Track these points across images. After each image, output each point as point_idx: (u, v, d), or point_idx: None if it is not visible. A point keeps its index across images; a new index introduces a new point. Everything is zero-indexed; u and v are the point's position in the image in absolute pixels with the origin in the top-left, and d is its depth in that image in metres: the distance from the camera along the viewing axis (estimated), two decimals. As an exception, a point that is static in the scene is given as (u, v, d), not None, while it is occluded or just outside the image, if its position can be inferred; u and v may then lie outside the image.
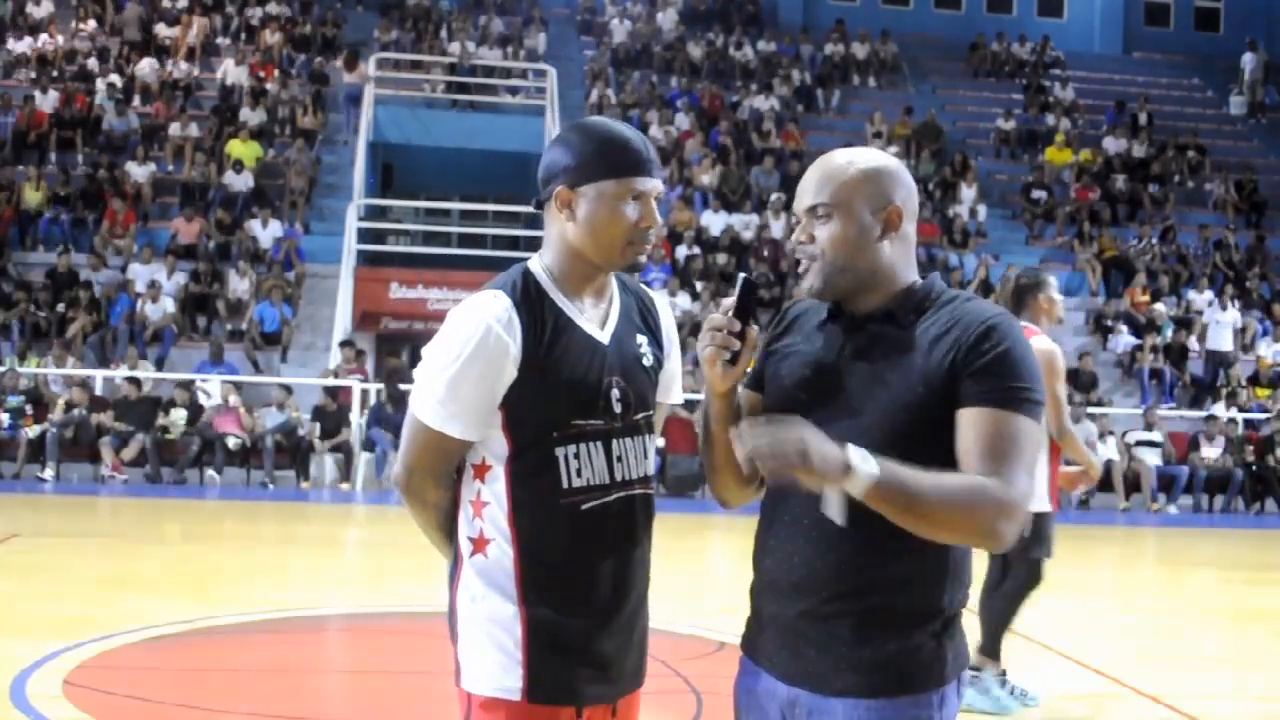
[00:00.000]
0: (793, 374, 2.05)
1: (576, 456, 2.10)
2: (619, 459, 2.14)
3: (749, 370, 2.09)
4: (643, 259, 2.16)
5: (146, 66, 19.91)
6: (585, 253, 2.13)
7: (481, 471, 2.13)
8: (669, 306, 2.35)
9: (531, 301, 2.11)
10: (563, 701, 2.10)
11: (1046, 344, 5.10)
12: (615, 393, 2.13)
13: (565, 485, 2.09)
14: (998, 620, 5.15)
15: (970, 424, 1.90)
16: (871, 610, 1.94)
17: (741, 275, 2.04)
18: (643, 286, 2.31)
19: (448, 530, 2.19)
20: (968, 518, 1.84)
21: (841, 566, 1.94)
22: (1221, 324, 17.35)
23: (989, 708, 5.01)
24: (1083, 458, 5.23)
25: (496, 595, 2.11)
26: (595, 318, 2.17)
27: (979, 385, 1.91)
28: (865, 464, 1.77)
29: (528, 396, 2.07)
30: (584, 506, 2.10)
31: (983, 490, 1.84)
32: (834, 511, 1.83)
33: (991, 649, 5.15)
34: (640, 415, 2.18)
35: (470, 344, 2.04)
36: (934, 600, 1.96)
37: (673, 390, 2.32)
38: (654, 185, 2.12)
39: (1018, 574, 5.17)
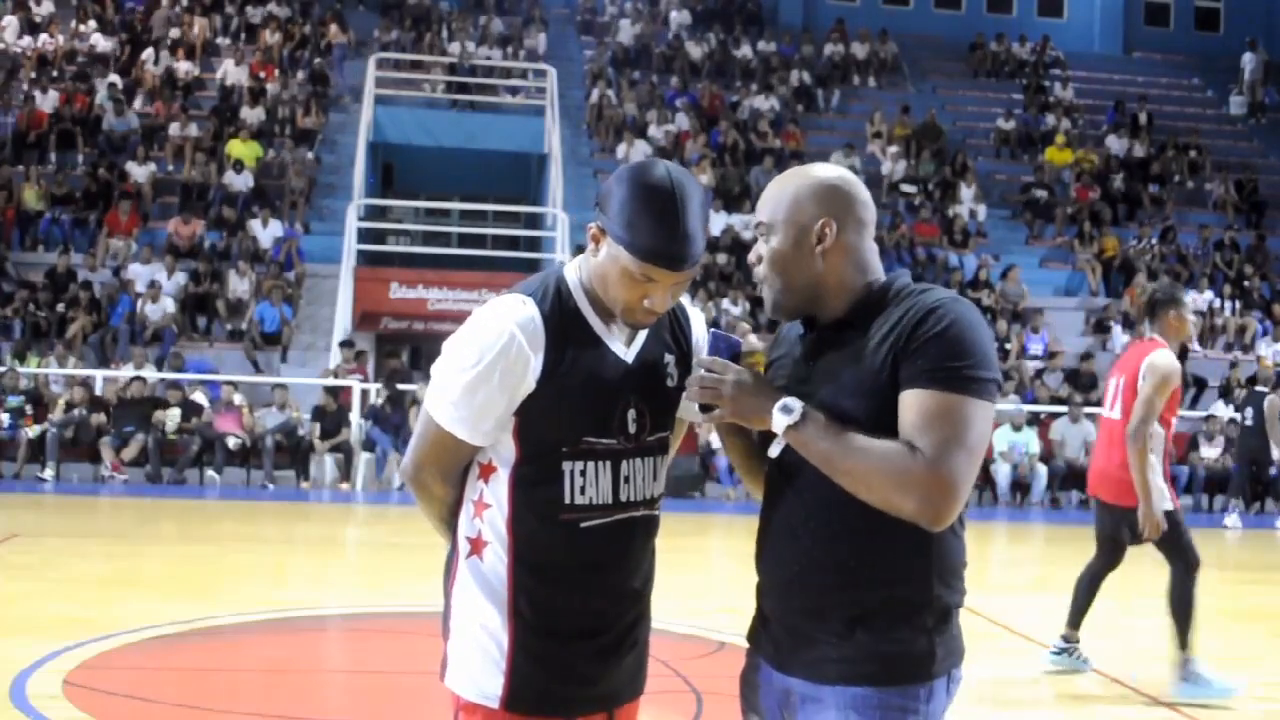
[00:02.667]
0: (777, 385, 2.13)
1: (583, 474, 2.07)
2: (626, 479, 2.11)
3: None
4: (641, 327, 2.11)
5: (149, 64, 19.94)
6: (597, 289, 2.09)
7: (486, 473, 2.11)
8: (702, 320, 2.30)
9: (560, 312, 2.06)
10: (544, 713, 2.10)
11: (1168, 360, 5.34)
12: (632, 413, 2.10)
13: (568, 501, 2.07)
14: (1179, 617, 5.42)
15: (907, 405, 1.94)
16: (862, 604, 2.00)
17: (711, 331, 2.10)
18: (680, 304, 2.25)
19: (451, 524, 2.19)
20: (886, 481, 1.90)
21: (830, 563, 2.02)
22: None
23: (1209, 694, 5.28)
24: (1142, 486, 5.38)
25: (488, 601, 2.10)
26: (622, 334, 2.12)
27: (913, 367, 1.94)
28: (787, 412, 1.94)
29: (543, 409, 2.04)
30: (584, 524, 2.08)
31: (907, 458, 1.89)
32: (773, 449, 2.02)
33: (1183, 643, 5.39)
34: (655, 436, 2.15)
35: (492, 350, 2.00)
36: (923, 594, 2.01)
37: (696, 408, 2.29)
38: (673, 277, 2.02)
39: (1174, 572, 5.54)
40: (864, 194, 2.11)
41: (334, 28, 21.31)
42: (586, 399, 2.06)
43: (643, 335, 2.15)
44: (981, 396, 1.93)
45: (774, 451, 2.03)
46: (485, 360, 2.00)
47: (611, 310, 2.08)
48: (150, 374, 14.09)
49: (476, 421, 2.04)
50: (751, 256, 2.13)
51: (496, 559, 2.09)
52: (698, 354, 2.21)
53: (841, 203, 2.07)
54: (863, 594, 1.99)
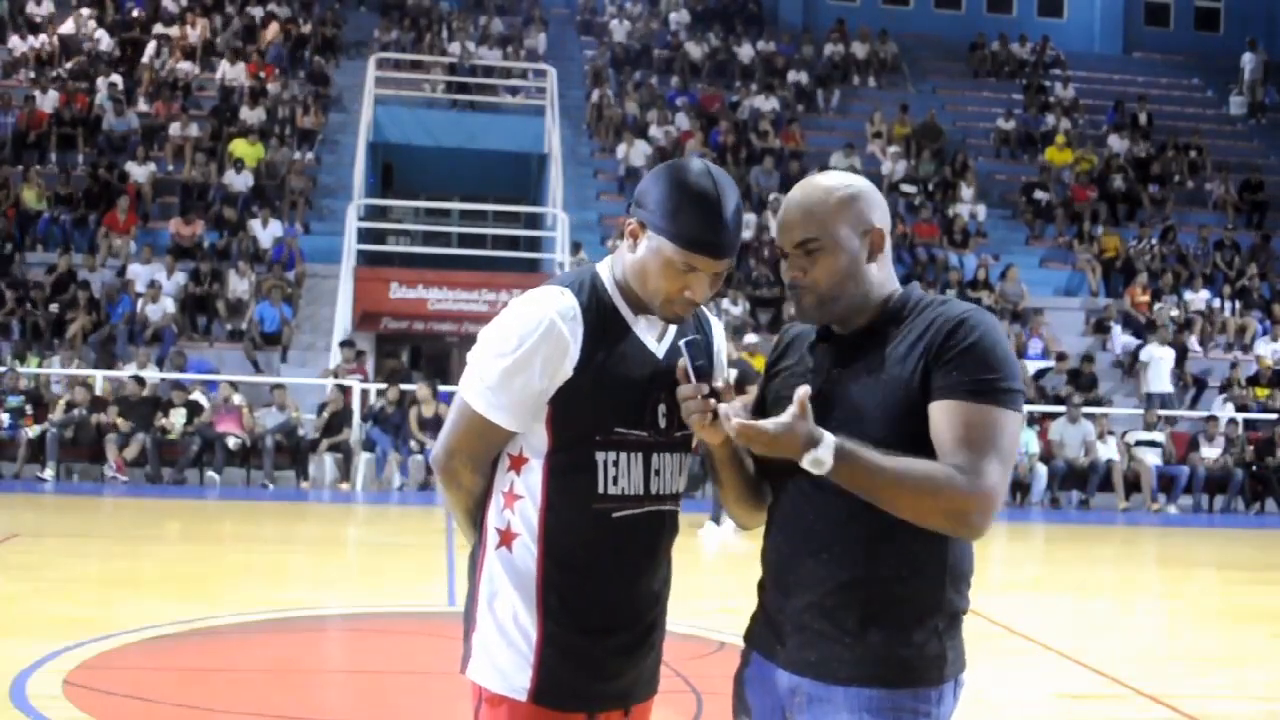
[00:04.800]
0: (789, 395, 2.08)
1: (615, 464, 2.10)
2: (656, 473, 2.15)
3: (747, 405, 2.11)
4: (676, 320, 2.14)
5: (148, 64, 19.96)
6: (633, 284, 2.13)
7: (518, 464, 2.13)
8: (722, 330, 2.35)
9: (596, 304, 2.11)
10: (570, 708, 2.12)
11: None
12: (662, 407, 2.14)
13: (600, 490, 2.10)
14: None
15: (939, 416, 1.95)
16: (874, 603, 2.00)
17: (681, 342, 2.11)
18: (702, 308, 2.29)
19: (476, 516, 2.20)
20: (929, 502, 1.91)
21: (842, 562, 2.01)
22: (1161, 361, 16.31)
23: None
24: None
25: (516, 593, 2.11)
26: (653, 331, 2.17)
27: (947, 378, 1.96)
28: (818, 465, 1.90)
29: (578, 397, 2.07)
30: (615, 515, 2.11)
31: (947, 478, 1.90)
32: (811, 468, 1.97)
33: None
34: (682, 433, 2.18)
35: (533, 336, 2.04)
36: (934, 596, 2.02)
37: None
38: (715, 266, 2.08)
39: None
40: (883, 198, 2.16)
41: (274, 26, 21.32)
42: (620, 389, 2.09)
43: (671, 333, 2.18)
44: (1012, 407, 1.96)
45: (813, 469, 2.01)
46: (526, 346, 2.04)
47: (648, 304, 2.12)
48: (151, 374, 14.10)
49: (514, 407, 2.07)
50: (792, 271, 2.09)
51: (526, 551, 2.11)
52: (718, 361, 2.24)
53: (880, 209, 2.11)
54: (877, 594, 2.00)
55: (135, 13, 21.48)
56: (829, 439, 1.90)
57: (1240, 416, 15.69)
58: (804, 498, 2.05)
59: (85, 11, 20.76)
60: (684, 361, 2.07)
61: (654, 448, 2.14)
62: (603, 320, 2.10)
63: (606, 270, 2.18)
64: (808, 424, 1.92)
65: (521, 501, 2.12)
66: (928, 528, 1.94)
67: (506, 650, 2.11)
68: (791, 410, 1.91)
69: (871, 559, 2.00)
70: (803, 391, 1.93)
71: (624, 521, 2.11)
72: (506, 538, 2.13)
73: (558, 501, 2.10)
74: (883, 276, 2.10)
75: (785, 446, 1.92)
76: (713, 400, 2.04)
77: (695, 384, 2.04)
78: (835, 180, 2.12)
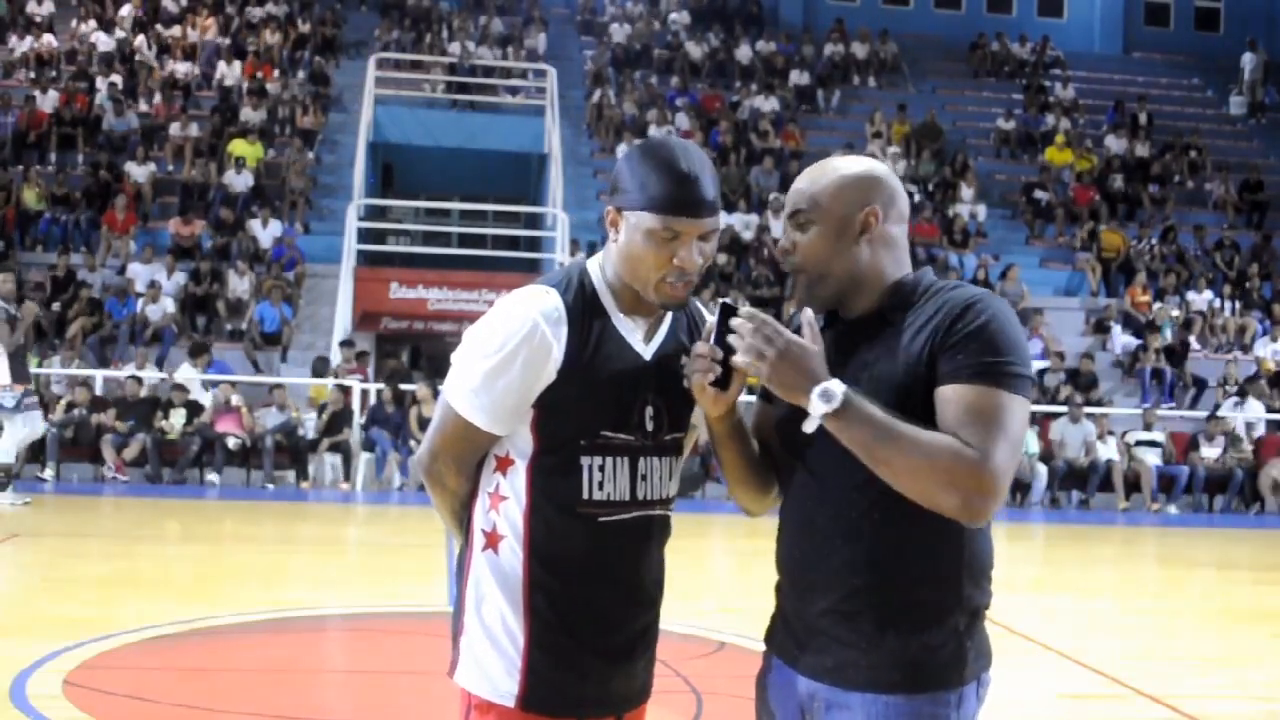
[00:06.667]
0: None
1: (601, 469, 2.06)
2: (644, 477, 2.10)
3: (745, 388, 2.08)
4: (674, 302, 2.07)
5: (140, 52, 19.99)
6: (624, 276, 2.08)
7: (504, 465, 2.10)
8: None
9: (583, 304, 2.06)
10: (559, 713, 2.08)
11: None
12: (650, 410, 2.09)
13: (585, 495, 2.06)
14: None
15: (948, 400, 1.89)
16: (891, 606, 1.95)
17: (721, 301, 2.04)
18: (698, 305, 2.25)
19: (462, 517, 2.16)
20: (931, 474, 1.83)
21: (859, 563, 1.96)
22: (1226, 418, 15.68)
23: None
24: None
25: (503, 596, 2.08)
26: (643, 332, 2.11)
27: (954, 362, 1.90)
28: (827, 399, 1.86)
29: (563, 401, 2.03)
30: (601, 519, 2.07)
31: (955, 452, 1.83)
32: (808, 425, 1.91)
33: None
34: (671, 436, 2.14)
35: (515, 338, 2.00)
36: (953, 596, 1.97)
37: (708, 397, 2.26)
38: (697, 227, 2.01)
39: None
40: (902, 188, 2.10)
41: (211, 20, 21.43)
42: (606, 393, 2.05)
43: (662, 333, 2.14)
44: (1020, 392, 1.89)
45: (809, 427, 1.93)
46: (508, 347, 2.00)
47: (642, 292, 2.06)
48: (150, 374, 14.09)
49: (496, 409, 2.03)
50: (784, 242, 2.07)
51: (512, 553, 2.08)
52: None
53: (886, 193, 2.05)
54: (894, 595, 1.95)
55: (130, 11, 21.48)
56: (822, 385, 1.87)
57: (1241, 417, 15.70)
58: (812, 500, 2.01)
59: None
60: (713, 319, 2.02)
61: (641, 452, 2.09)
62: (589, 320, 2.05)
63: (595, 267, 2.12)
64: (820, 354, 1.90)
65: (507, 503, 2.09)
66: (926, 504, 1.86)
67: (494, 655, 2.08)
68: (807, 336, 1.90)
69: (884, 562, 1.94)
70: (809, 315, 1.92)
71: (610, 526, 2.07)
72: (493, 540, 2.10)
73: (542, 505, 2.06)
74: (881, 259, 2.03)
75: (792, 371, 1.88)
76: (718, 366, 1.98)
77: (712, 345, 1.98)
78: (845, 161, 2.08)
